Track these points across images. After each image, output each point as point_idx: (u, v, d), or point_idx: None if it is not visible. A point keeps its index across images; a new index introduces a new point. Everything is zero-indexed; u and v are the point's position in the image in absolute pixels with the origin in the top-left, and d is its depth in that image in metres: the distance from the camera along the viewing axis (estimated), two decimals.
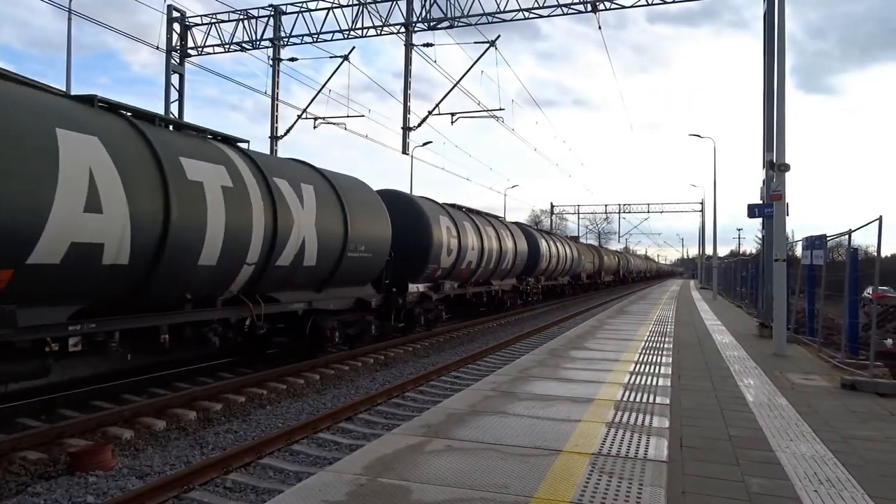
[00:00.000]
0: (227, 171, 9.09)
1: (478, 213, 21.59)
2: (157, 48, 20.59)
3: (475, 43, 21.24)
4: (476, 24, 19.93)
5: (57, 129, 6.75)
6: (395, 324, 15.01)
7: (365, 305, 13.21)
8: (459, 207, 20.06)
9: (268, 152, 20.86)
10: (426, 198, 18.02)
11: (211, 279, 8.95)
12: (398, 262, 14.34)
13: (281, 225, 9.83)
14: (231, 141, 10.10)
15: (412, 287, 15.56)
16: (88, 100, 7.86)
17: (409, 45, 20.69)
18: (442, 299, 17.86)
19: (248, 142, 10.46)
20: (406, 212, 15.52)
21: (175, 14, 21.42)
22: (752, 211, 14.32)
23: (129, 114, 8.26)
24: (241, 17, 21.56)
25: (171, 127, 9.13)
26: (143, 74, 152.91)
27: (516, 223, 29.46)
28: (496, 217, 25.02)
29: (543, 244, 28.51)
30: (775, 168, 11.29)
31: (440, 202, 18.51)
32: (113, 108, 8.15)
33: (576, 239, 47.08)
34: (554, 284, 33.14)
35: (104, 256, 7.13)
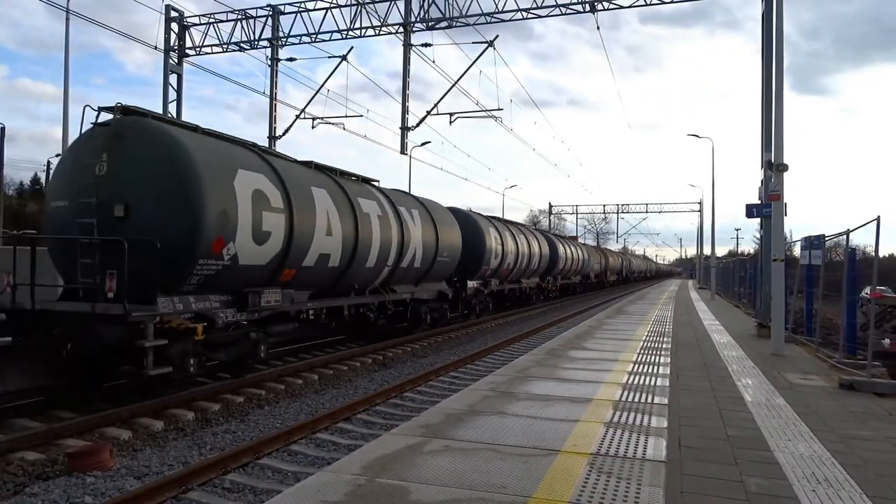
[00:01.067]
0: (377, 204, 13.70)
1: (512, 223, 26.68)
2: (156, 48, 20.55)
3: (473, 43, 21.22)
4: (474, 25, 19.91)
5: (311, 187, 11.15)
6: (460, 311, 19.74)
7: (444, 296, 18.16)
8: (498, 219, 24.57)
9: None
10: (477, 213, 22.30)
11: (369, 276, 13.50)
12: (461, 263, 18.62)
13: (405, 239, 14.56)
14: (371, 181, 14.67)
15: (470, 283, 20.17)
16: (308, 164, 12.14)
17: (407, 45, 20.66)
18: (488, 293, 22.41)
19: (378, 181, 15.04)
20: (465, 224, 19.74)
21: (173, 14, 21.37)
22: (751, 211, 14.35)
23: (326, 171, 12.65)
24: (240, 17, 21.52)
25: (330, 173, 13.11)
26: (139, 74, 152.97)
27: (539, 230, 34.45)
28: (524, 226, 29.73)
29: (561, 248, 33.06)
30: (773, 168, 11.29)
31: (485, 215, 22.99)
32: (320, 167, 12.47)
33: (574, 239, 48.14)
34: (567, 283, 37.49)
35: (329, 261, 11.53)
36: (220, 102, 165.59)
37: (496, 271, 22.43)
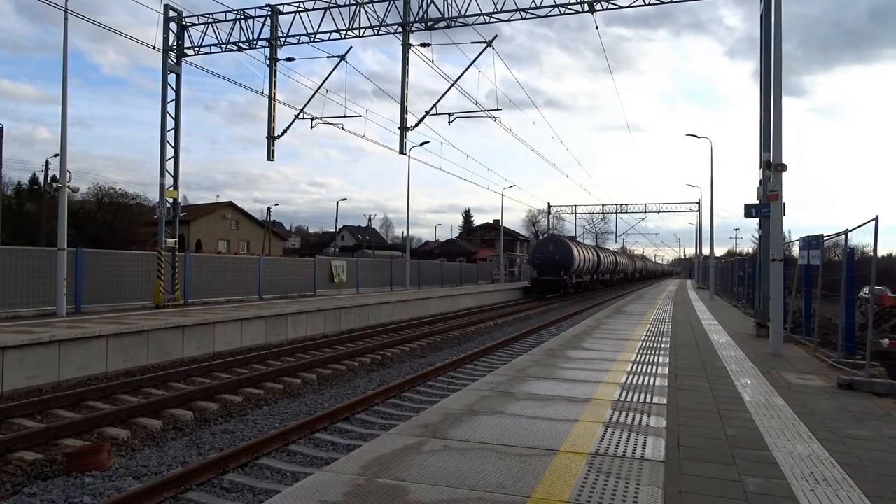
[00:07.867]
0: (583, 247, 50.81)
1: (577, 241, 54.06)
2: (154, 48, 20.52)
3: (472, 43, 21.18)
4: (473, 25, 19.88)
5: (582, 245, 52.30)
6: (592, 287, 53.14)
7: (592, 281, 52.41)
8: (573, 239, 52.01)
9: (264, 152, 22.74)
10: (568, 237, 52.06)
11: (586, 271, 49.21)
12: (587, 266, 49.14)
13: (591, 258, 50.14)
14: (576, 239, 56.75)
15: (592, 277, 51.72)
16: (572, 238, 53.94)
17: (406, 45, 20.63)
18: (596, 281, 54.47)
19: (576, 237, 58.68)
20: (581, 246, 51.54)
21: (172, 14, 21.31)
22: (749, 211, 14.31)
23: (574, 240, 53.67)
24: (238, 16, 21.47)
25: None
26: (114, 76, 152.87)
27: (590, 245, 57.54)
28: (582, 243, 55.68)
29: (602, 255, 54.12)
30: (772, 168, 11.29)
31: (567, 237, 50.77)
32: (576, 240, 54.83)
33: (573, 239, 53.88)
34: (602, 279, 56.29)
35: (582, 267, 46.78)
36: (198, 102, 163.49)
37: (577, 270, 45.88)
